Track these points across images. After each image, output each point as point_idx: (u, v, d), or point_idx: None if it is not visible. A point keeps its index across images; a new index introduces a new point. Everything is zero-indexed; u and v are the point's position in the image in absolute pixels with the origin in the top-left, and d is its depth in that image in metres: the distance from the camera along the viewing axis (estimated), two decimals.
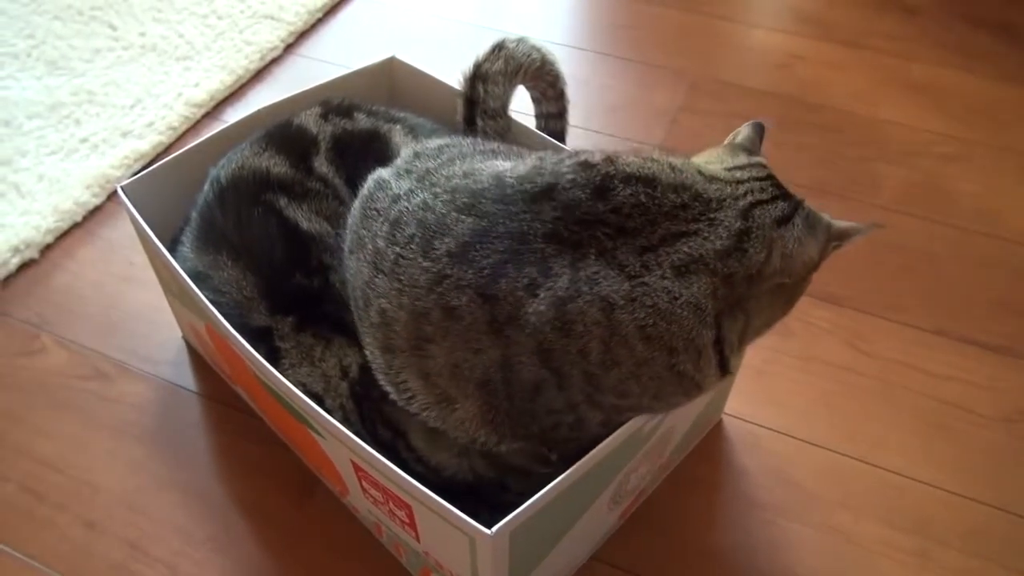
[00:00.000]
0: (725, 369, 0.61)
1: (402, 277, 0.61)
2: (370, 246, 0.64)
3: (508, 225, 0.59)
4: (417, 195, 0.63)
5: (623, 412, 0.61)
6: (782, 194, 0.62)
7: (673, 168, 0.60)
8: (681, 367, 0.58)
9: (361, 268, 0.65)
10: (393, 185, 0.66)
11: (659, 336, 0.57)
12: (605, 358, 0.57)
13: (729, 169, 0.63)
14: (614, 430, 0.62)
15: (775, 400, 0.91)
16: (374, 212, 0.65)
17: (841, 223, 0.64)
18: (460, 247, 0.59)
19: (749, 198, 0.60)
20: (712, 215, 0.59)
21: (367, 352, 0.67)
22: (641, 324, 0.56)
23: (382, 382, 0.66)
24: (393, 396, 0.66)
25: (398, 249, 0.62)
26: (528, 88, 0.86)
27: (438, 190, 0.63)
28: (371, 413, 0.71)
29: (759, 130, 0.68)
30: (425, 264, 0.60)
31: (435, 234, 0.60)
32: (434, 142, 0.71)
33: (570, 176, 0.59)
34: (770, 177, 0.63)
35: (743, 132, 0.68)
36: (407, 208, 0.63)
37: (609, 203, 0.58)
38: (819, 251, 0.62)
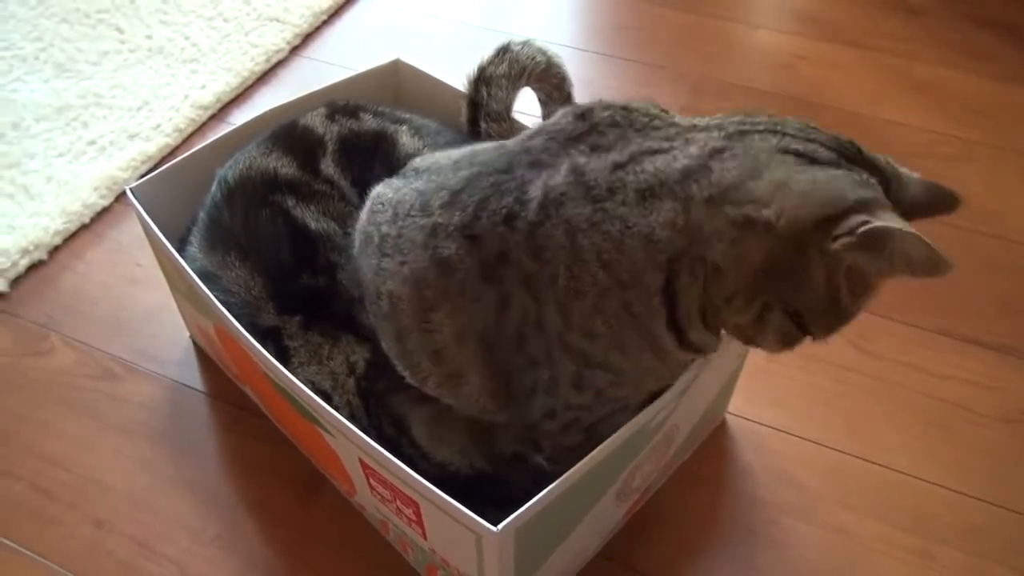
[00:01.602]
0: (682, 337, 0.57)
1: (404, 247, 0.63)
2: (376, 237, 0.67)
3: (497, 164, 0.62)
4: (422, 179, 0.67)
5: (592, 366, 0.60)
6: (836, 144, 0.55)
7: (657, 106, 0.62)
8: (636, 308, 0.57)
9: (369, 261, 0.67)
10: (398, 182, 0.69)
11: (613, 264, 0.56)
12: (571, 284, 0.57)
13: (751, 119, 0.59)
14: (586, 393, 0.62)
15: (778, 399, 0.91)
16: (380, 206, 0.68)
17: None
18: (452, 195, 0.62)
19: (750, 127, 0.55)
20: (691, 135, 0.57)
21: (384, 346, 0.69)
22: (599, 249, 0.56)
23: (400, 370, 0.68)
24: (410, 380, 0.68)
25: (400, 223, 0.65)
26: (535, 90, 0.86)
27: (443, 169, 0.66)
28: (376, 408, 0.72)
29: None
30: (422, 222, 0.63)
31: (434, 193, 0.63)
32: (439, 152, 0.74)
33: (560, 113, 0.63)
34: (824, 133, 0.56)
35: None
36: (411, 188, 0.66)
37: (587, 121, 0.60)
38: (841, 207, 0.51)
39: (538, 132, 0.63)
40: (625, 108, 0.61)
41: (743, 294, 0.55)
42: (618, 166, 0.57)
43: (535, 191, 0.58)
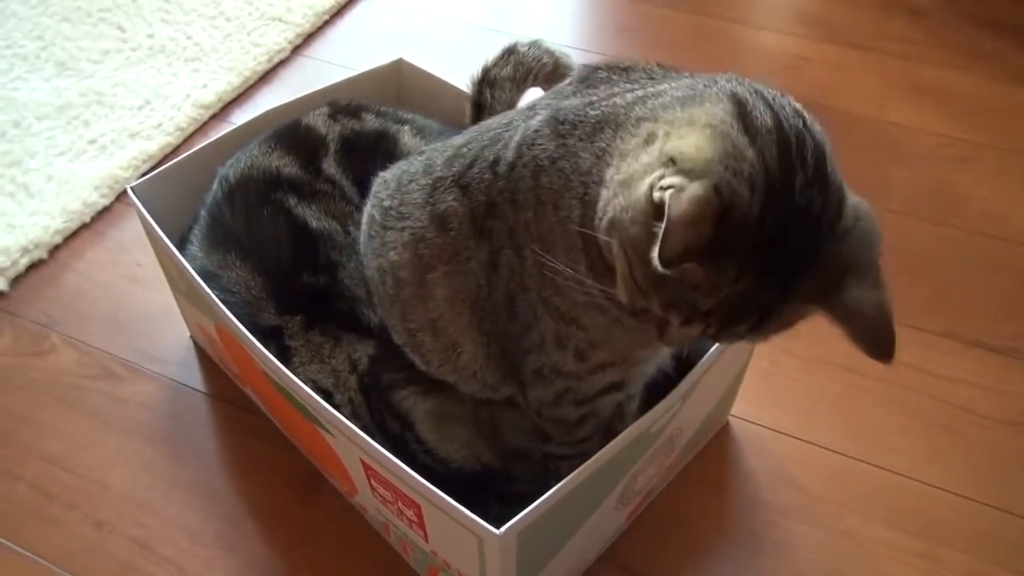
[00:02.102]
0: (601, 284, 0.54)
1: (405, 212, 0.65)
2: (378, 215, 0.69)
3: (501, 120, 0.63)
4: (427, 152, 0.69)
5: (568, 322, 0.59)
6: (791, 126, 0.48)
7: (662, 65, 0.61)
8: (574, 255, 0.56)
9: (372, 244, 0.69)
10: (402, 163, 0.72)
11: (561, 205, 0.55)
12: (539, 232, 0.57)
13: None
14: (567, 352, 0.61)
15: (781, 402, 0.91)
16: (382, 184, 0.71)
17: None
18: (455, 150, 0.64)
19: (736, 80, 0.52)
20: (678, 78, 0.56)
21: (393, 334, 0.70)
22: (553, 188, 0.56)
23: (409, 354, 0.70)
24: (419, 364, 0.70)
25: (402, 191, 0.67)
26: (544, 91, 0.86)
27: (453, 140, 0.68)
28: (379, 404, 0.72)
29: None
30: (424, 181, 0.65)
31: (440, 154, 0.65)
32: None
33: (568, 79, 0.64)
34: (801, 113, 0.50)
35: None
36: (417, 160, 0.68)
37: (586, 82, 0.61)
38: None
39: (545, 95, 0.64)
40: (625, 69, 0.61)
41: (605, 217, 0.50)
42: (590, 103, 0.57)
43: (517, 134, 0.59)
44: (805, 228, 0.47)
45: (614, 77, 0.60)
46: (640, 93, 0.55)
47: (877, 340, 0.52)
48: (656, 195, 0.46)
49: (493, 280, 0.61)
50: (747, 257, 0.46)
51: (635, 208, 0.48)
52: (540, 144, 0.57)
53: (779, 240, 0.46)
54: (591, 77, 0.62)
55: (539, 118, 0.58)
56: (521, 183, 0.57)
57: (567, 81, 0.64)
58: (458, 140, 0.66)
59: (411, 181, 0.67)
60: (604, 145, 0.54)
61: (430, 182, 0.64)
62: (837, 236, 0.48)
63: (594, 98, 0.57)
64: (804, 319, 0.51)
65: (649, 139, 0.50)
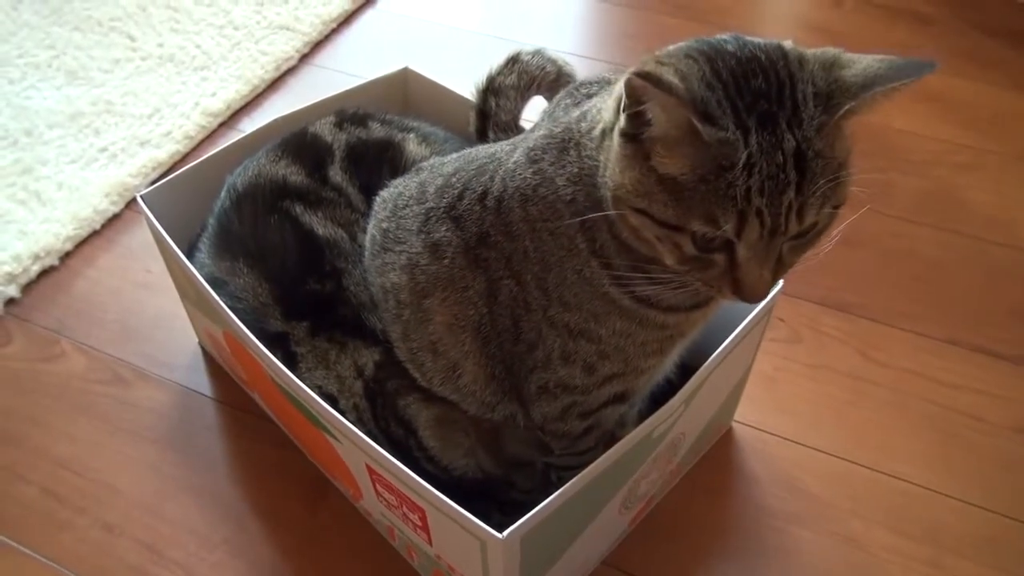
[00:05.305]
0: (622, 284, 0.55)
1: (401, 236, 0.66)
2: (378, 236, 0.70)
3: (488, 149, 0.64)
4: (423, 173, 0.70)
5: (576, 336, 0.60)
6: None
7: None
8: (585, 273, 0.57)
9: (376, 263, 0.70)
10: (399, 180, 0.73)
11: (557, 233, 0.57)
12: (538, 256, 0.58)
13: None
14: (575, 366, 0.62)
15: (785, 408, 0.91)
16: (380, 204, 0.72)
17: None
18: (445, 179, 0.65)
19: None
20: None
21: (396, 350, 0.71)
22: (544, 217, 0.57)
23: (410, 369, 0.71)
24: (420, 381, 0.70)
25: (398, 215, 0.68)
26: (547, 99, 0.87)
27: (444, 162, 0.69)
28: (384, 410, 0.73)
29: None
30: (417, 209, 0.66)
31: (431, 181, 0.66)
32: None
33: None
34: None
35: None
36: (412, 182, 0.70)
37: (574, 97, 0.62)
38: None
39: (543, 114, 0.66)
40: (583, 83, 0.64)
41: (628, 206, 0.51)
42: (555, 123, 0.59)
43: (502, 168, 0.60)
44: (766, 71, 0.50)
45: (581, 91, 0.62)
46: (590, 102, 0.57)
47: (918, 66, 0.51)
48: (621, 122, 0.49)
49: (494, 309, 0.62)
50: (732, 106, 0.47)
51: (616, 157, 0.50)
52: (520, 174, 0.59)
53: (748, 83, 0.49)
54: (575, 94, 0.63)
55: (519, 152, 0.60)
56: (512, 215, 0.59)
57: (560, 96, 0.65)
58: (448, 167, 0.67)
59: (406, 206, 0.68)
60: (575, 170, 0.56)
61: (423, 211, 0.65)
62: (797, 64, 0.51)
63: (559, 118, 0.59)
64: (843, 141, 0.51)
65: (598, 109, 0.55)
